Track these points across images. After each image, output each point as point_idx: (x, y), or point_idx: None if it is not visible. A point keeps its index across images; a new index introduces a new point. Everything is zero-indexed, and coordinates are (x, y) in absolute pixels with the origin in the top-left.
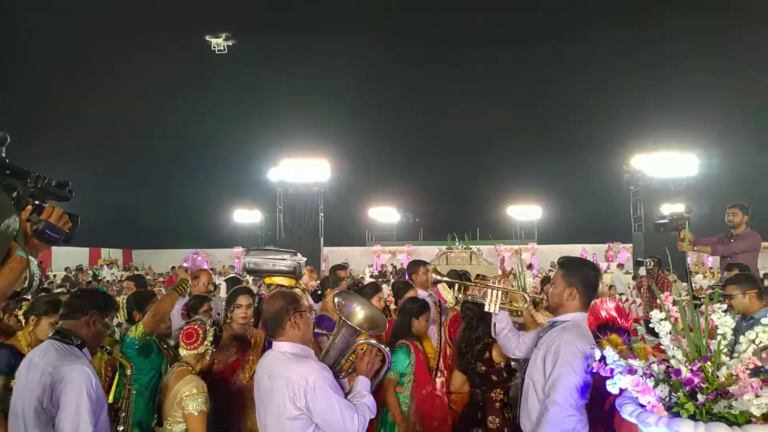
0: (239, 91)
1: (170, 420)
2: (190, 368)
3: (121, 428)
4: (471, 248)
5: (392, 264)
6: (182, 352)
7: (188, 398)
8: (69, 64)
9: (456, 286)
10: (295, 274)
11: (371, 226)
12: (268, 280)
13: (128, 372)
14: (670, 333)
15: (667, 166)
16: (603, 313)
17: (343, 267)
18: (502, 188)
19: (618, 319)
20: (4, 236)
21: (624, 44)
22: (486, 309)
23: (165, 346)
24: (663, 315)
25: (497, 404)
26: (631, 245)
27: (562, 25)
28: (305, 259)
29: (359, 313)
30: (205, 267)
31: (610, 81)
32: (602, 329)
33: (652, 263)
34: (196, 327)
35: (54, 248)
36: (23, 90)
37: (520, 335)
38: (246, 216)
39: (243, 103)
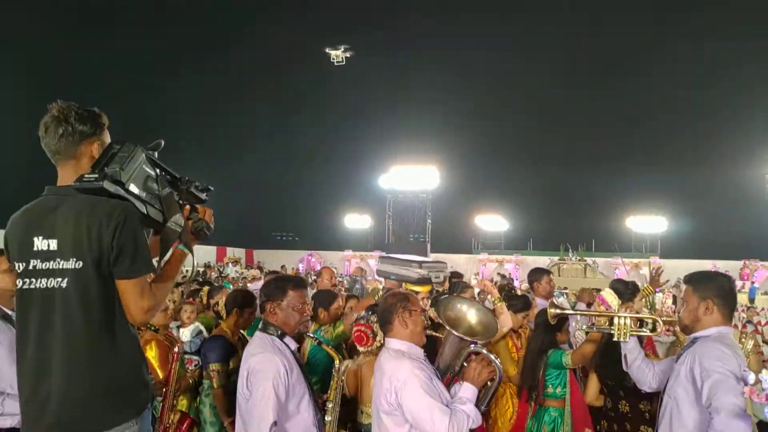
0: (354, 101)
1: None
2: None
3: (329, 418)
4: (585, 260)
5: (499, 273)
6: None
7: None
8: (198, 82)
9: (578, 317)
10: (421, 284)
11: (478, 233)
12: (407, 287)
13: (336, 364)
14: None
15: None
16: None
17: (459, 275)
18: (621, 198)
19: None
20: (173, 231)
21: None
22: (615, 339)
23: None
24: None
25: (647, 415)
26: None
27: (695, 28)
28: (444, 269)
29: (464, 320)
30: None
31: (748, 84)
32: None
33: None
34: (362, 329)
35: None
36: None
37: (655, 365)
38: (356, 221)
39: (357, 113)
